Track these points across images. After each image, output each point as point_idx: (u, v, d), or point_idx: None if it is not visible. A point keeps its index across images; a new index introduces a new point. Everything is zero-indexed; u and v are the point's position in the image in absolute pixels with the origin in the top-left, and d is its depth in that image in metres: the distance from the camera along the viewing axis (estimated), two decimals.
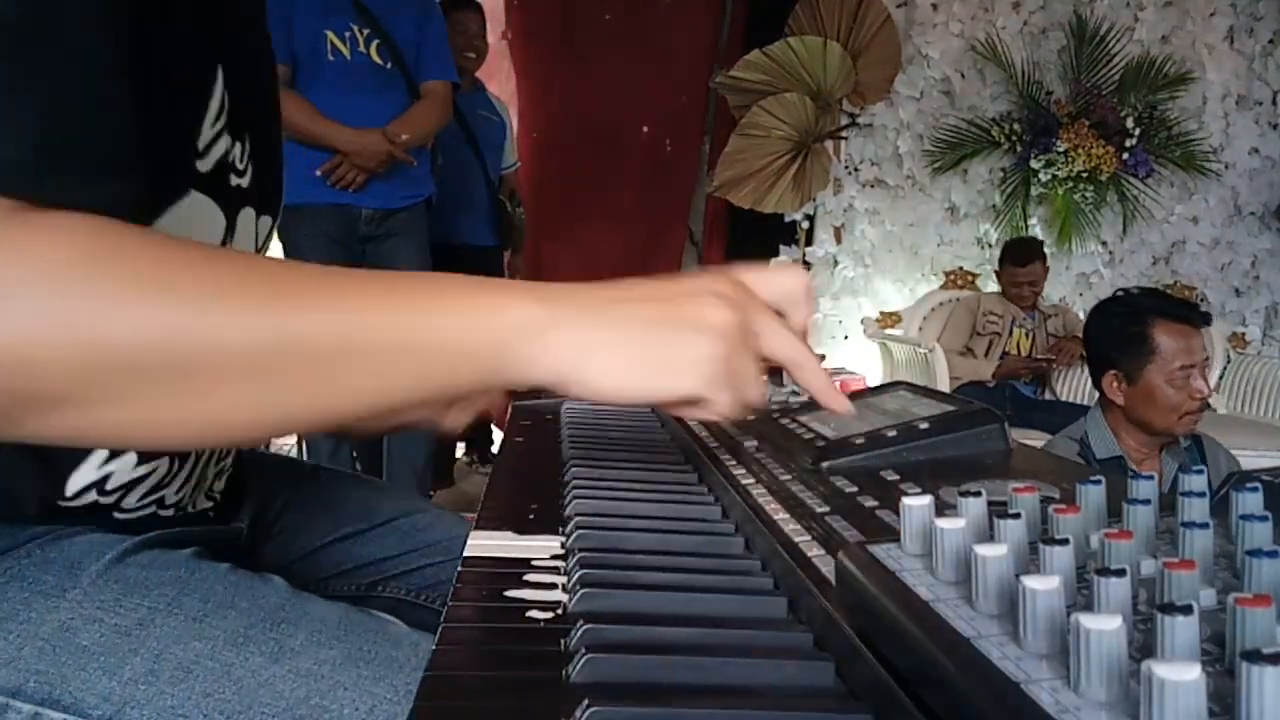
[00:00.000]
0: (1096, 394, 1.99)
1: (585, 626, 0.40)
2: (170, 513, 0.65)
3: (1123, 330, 1.88)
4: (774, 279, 0.53)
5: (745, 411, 0.50)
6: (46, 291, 0.38)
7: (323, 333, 0.42)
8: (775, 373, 1.08)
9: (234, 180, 0.64)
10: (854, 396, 0.84)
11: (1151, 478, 0.42)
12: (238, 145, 0.64)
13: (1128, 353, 1.86)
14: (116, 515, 0.62)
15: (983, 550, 0.33)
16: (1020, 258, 3.73)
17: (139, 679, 0.52)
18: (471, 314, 0.45)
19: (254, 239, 0.70)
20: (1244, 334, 4.39)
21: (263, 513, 0.80)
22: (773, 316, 0.50)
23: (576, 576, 0.47)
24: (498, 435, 3.46)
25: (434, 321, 0.44)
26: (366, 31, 2.39)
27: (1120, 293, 2.02)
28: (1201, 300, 4.32)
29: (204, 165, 0.59)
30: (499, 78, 4.05)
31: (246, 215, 0.67)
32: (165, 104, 0.54)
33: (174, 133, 0.56)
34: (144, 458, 0.61)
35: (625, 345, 0.46)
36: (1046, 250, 3.91)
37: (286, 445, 3.45)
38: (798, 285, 0.54)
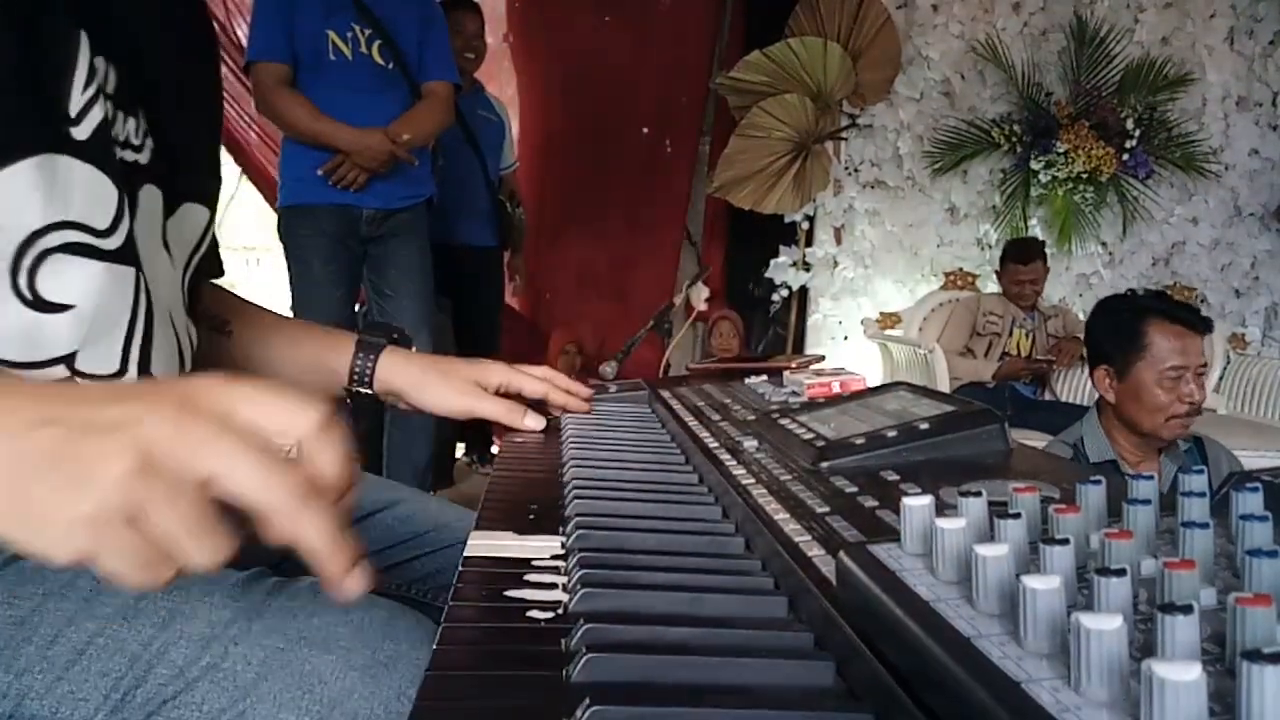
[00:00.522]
0: (1097, 395, 1.99)
1: (586, 626, 0.40)
2: None
3: (1119, 325, 1.88)
4: (273, 410, 0.41)
5: (159, 580, 0.39)
6: None
7: None
8: (775, 373, 1.08)
9: (127, 155, 0.64)
10: (854, 397, 0.84)
11: (1151, 478, 0.42)
12: (130, 121, 0.64)
13: (1121, 348, 1.85)
14: None
15: (983, 550, 0.33)
16: (1023, 256, 3.74)
17: (32, 668, 0.52)
18: None
19: (158, 219, 0.69)
20: (1244, 334, 4.39)
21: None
22: (240, 453, 0.38)
23: (577, 576, 0.47)
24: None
25: None
26: (368, 32, 2.39)
27: (1128, 292, 2.03)
28: (1201, 301, 4.32)
29: (79, 132, 0.59)
30: (499, 79, 4.06)
31: (149, 194, 0.67)
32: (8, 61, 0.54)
33: (18, 89, 0.56)
34: None
35: (5, 485, 0.37)
36: (1046, 251, 3.91)
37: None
38: (303, 423, 0.40)
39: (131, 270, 0.63)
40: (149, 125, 0.66)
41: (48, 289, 0.58)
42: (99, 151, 0.60)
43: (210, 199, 0.76)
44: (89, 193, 0.60)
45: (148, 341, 0.66)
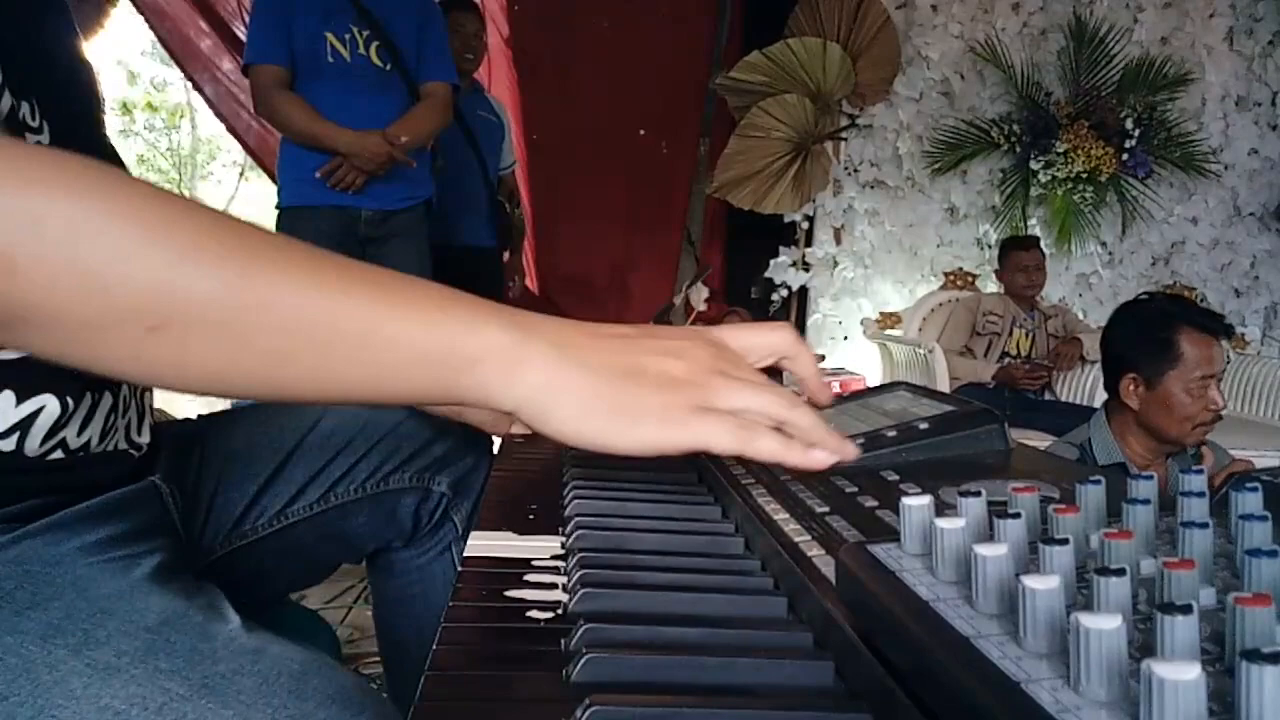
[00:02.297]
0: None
1: (586, 626, 0.40)
2: (81, 454, 0.65)
3: (1148, 334, 1.87)
4: (758, 335, 0.54)
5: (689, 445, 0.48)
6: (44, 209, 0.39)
7: (293, 304, 0.43)
8: (775, 373, 1.08)
9: (30, 139, 0.64)
10: (854, 397, 0.84)
11: (1151, 478, 0.42)
12: (25, 104, 0.64)
13: (1150, 357, 1.85)
14: (26, 457, 0.61)
15: (982, 550, 0.33)
16: (1023, 243, 3.77)
17: None
18: (446, 326, 0.45)
19: None
20: (1244, 334, 4.39)
21: (181, 474, 0.80)
22: (747, 374, 0.50)
23: (577, 576, 0.47)
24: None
25: (404, 324, 0.44)
26: (366, 33, 2.39)
27: (1144, 296, 2.03)
28: (1201, 301, 4.32)
29: None
30: (499, 80, 4.06)
31: None
32: None
33: None
34: (22, 396, 0.60)
35: (590, 392, 0.46)
36: (1046, 251, 3.91)
37: None
38: (785, 338, 0.54)
39: None
40: (40, 106, 0.66)
41: None
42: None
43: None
44: None
45: None
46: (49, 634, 0.54)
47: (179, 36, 3.57)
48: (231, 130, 3.77)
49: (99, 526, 0.64)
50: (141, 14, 3.49)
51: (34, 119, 0.65)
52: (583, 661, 0.37)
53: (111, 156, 0.79)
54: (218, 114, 3.76)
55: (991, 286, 4.08)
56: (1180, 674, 0.24)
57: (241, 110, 3.59)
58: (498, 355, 0.45)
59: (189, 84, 3.76)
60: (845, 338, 4.50)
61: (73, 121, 0.71)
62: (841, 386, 0.97)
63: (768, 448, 0.47)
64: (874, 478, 0.61)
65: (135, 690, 0.52)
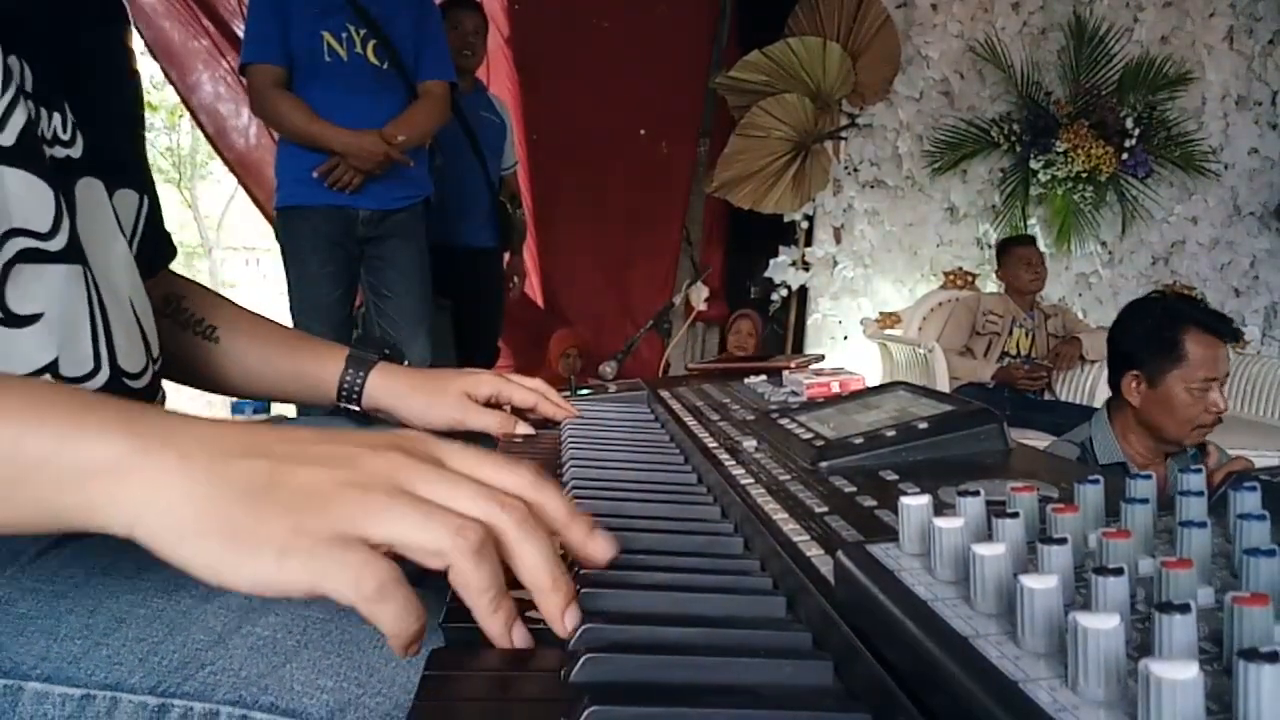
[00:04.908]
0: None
1: (585, 626, 0.40)
2: None
3: (1154, 332, 1.87)
4: (486, 463, 0.44)
5: (392, 602, 0.39)
6: None
7: None
8: (774, 373, 1.08)
9: (58, 152, 0.64)
10: (853, 396, 0.84)
11: (1150, 477, 0.42)
12: (56, 116, 0.64)
13: (1155, 355, 1.85)
14: None
15: (981, 549, 0.33)
16: (1022, 239, 3.78)
17: (74, 635, 0.53)
18: (36, 438, 0.41)
19: (107, 208, 0.69)
20: (1244, 334, 4.39)
21: None
22: (461, 483, 0.41)
23: (575, 576, 0.47)
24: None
25: None
26: (363, 31, 2.39)
27: (1155, 294, 2.03)
28: (1201, 300, 4.32)
29: (4, 138, 0.59)
30: (500, 81, 4.06)
31: (88, 186, 0.67)
32: None
33: None
34: None
35: (204, 511, 0.39)
36: (1046, 251, 3.92)
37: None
38: (513, 479, 0.44)
39: (79, 268, 0.64)
40: (76, 117, 0.66)
41: (14, 301, 0.59)
42: (27, 154, 0.60)
43: (139, 183, 0.76)
44: (25, 197, 0.59)
45: (109, 335, 0.67)
46: (170, 589, 0.55)
47: (164, 42, 3.59)
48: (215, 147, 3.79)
49: None
50: (137, 28, 3.50)
51: (65, 131, 0.65)
52: (581, 661, 0.37)
53: (145, 171, 0.79)
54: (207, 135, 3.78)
55: (991, 286, 4.08)
56: (1178, 673, 0.24)
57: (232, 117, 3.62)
58: (105, 468, 0.40)
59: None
60: (845, 337, 4.50)
61: (110, 136, 0.71)
62: (841, 386, 0.97)
63: (387, 614, 0.38)
64: (873, 477, 0.61)
65: (276, 620, 0.53)
